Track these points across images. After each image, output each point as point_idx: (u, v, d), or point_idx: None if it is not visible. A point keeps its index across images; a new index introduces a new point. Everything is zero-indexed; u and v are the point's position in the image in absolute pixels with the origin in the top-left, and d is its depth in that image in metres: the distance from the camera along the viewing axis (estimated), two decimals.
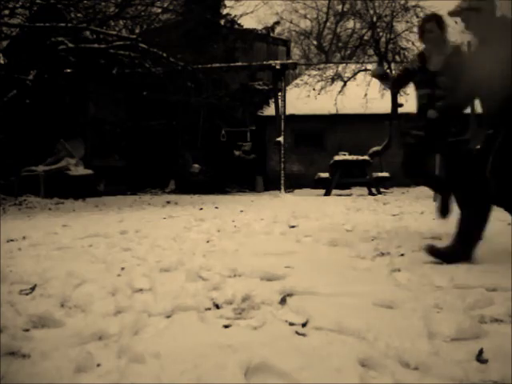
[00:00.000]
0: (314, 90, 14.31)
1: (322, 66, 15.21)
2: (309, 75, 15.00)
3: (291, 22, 16.60)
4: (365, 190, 11.50)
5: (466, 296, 1.85)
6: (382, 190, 11.58)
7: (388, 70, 13.23)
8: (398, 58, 13.42)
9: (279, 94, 12.51)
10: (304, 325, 1.65)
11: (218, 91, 13.08)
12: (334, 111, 14.13)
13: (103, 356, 1.39)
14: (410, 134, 3.63)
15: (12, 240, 3.81)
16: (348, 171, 11.34)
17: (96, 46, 10.60)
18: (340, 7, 14.59)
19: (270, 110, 14.89)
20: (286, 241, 3.45)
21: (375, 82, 12.28)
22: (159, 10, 10.71)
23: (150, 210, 7.14)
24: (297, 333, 1.58)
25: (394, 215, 5.36)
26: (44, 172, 9.81)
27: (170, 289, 2.09)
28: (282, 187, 11.78)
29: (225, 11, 14.92)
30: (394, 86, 3.94)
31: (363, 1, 13.60)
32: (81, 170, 10.29)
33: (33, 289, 2.16)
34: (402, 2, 13.05)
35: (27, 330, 1.62)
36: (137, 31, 11.72)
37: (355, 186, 12.34)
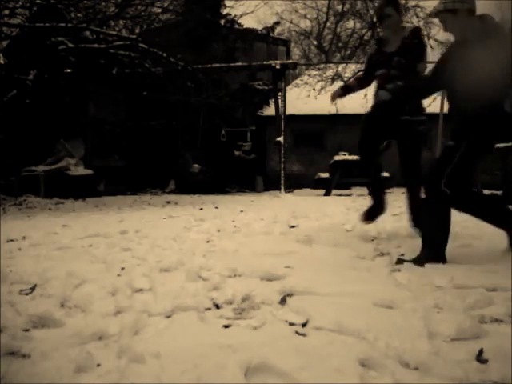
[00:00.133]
0: (314, 90, 14.32)
1: (321, 65, 15.22)
2: (309, 75, 15.00)
3: (291, 22, 16.63)
4: (365, 190, 11.49)
5: (466, 296, 1.85)
6: None
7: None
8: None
9: (279, 93, 12.51)
10: (304, 325, 1.65)
11: (218, 91, 13.09)
12: (334, 111, 14.11)
13: (103, 356, 1.39)
14: (368, 114, 3.69)
15: (12, 240, 3.81)
16: (348, 171, 11.33)
17: (96, 46, 10.59)
18: (340, 7, 14.61)
19: (270, 110, 14.88)
20: (286, 241, 3.44)
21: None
22: (159, 10, 10.71)
23: (150, 210, 7.14)
24: (297, 333, 1.58)
25: (394, 215, 5.35)
26: (44, 172, 9.80)
27: (170, 289, 2.09)
28: (282, 187, 11.78)
29: (225, 11, 14.93)
30: (361, 84, 3.79)
31: (363, 1, 13.62)
32: (81, 170, 10.29)
33: (33, 289, 2.16)
34: (402, 2, 13.06)
35: (27, 330, 1.62)
36: (137, 31, 11.72)
37: (355, 186, 12.34)
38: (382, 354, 1.38)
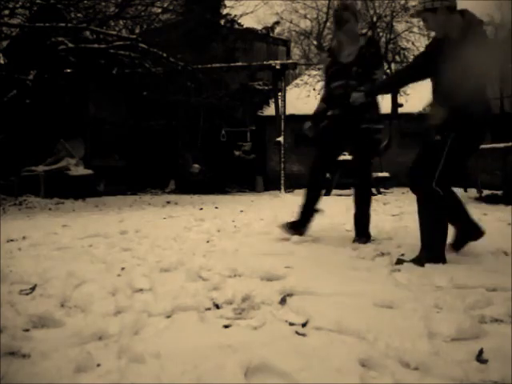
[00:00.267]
0: (314, 90, 14.31)
1: (321, 65, 15.21)
2: (309, 75, 15.00)
3: (291, 22, 16.63)
4: None
5: (466, 296, 1.85)
6: (381, 190, 11.58)
7: (388, 71, 13.25)
8: (397, 58, 13.43)
9: (279, 93, 12.51)
10: (304, 325, 1.65)
11: (218, 91, 13.08)
12: None
13: (103, 356, 1.39)
14: (323, 127, 3.61)
15: (12, 240, 3.81)
16: (348, 171, 11.31)
17: (96, 46, 10.59)
18: None
19: (270, 110, 14.88)
20: (286, 241, 3.44)
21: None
22: (159, 10, 10.70)
23: (150, 210, 7.14)
24: (297, 333, 1.58)
25: (393, 215, 5.36)
26: (44, 172, 9.80)
27: (170, 289, 2.09)
28: (282, 187, 11.78)
29: (225, 11, 14.93)
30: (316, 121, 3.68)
31: (363, 1, 13.61)
32: (81, 170, 10.28)
33: (33, 289, 2.16)
34: (402, 2, 13.08)
35: (27, 330, 1.62)
36: (137, 31, 11.73)
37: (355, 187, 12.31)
38: (382, 354, 1.38)
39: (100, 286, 2.17)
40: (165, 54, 10.43)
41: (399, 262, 2.60)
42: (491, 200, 7.87)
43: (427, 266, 2.47)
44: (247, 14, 20.26)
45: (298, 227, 3.53)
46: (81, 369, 1.30)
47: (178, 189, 13.38)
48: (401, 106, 12.60)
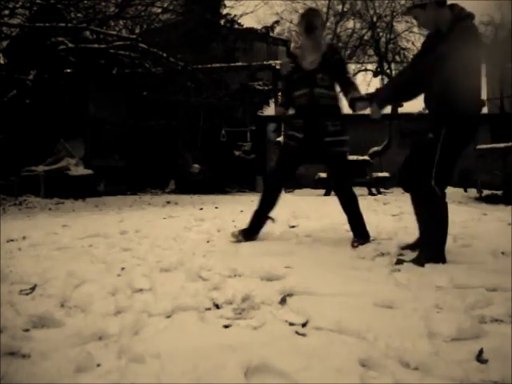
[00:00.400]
0: None
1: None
2: None
3: (291, 22, 16.60)
4: (365, 190, 11.49)
5: (466, 296, 1.85)
6: (381, 190, 11.58)
7: (388, 71, 13.25)
8: (398, 58, 13.44)
9: (279, 94, 12.50)
10: (304, 325, 1.65)
11: (218, 91, 13.07)
12: None
13: (103, 356, 1.39)
14: (287, 136, 3.54)
15: (12, 240, 3.81)
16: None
17: (96, 46, 10.59)
18: (340, 7, 14.61)
19: (269, 110, 14.87)
20: (286, 241, 3.44)
21: (375, 82, 12.28)
22: (159, 10, 10.70)
23: (149, 210, 7.14)
24: (297, 333, 1.58)
25: (393, 215, 5.35)
26: (44, 172, 9.80)
27: (170, 289, 2.09)
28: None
29: (225, 11, 14.92)
30: (287, 109, 3.57)
31: (363, 1, 13.63)
32: (81, 170, 10.28)
33: (33, 289, 2.16)
34: (402, 2, 13.06)
35: (27, 330, 1.62)
36: (137, 31, 11.72)
37: (355, 186, 12.32)
38: (382, 354, 1.38)
39: (100, 285, 2.17)
40: (165, 54, 10.43)
41: (399, 262, 2.60)
42: (491, 200, 7.87)
43: (427, 265, 2.46)
44: (247, 13, 20.27)
45: (250, 234, 3.51)
46: (81, 369, 1.30)
47: (178, 189, 13.38)
48: (401, 106, 12.57)
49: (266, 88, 15.11)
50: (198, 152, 14.20)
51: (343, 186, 3.53)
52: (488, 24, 18.20)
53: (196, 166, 13.56)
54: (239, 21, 14.90)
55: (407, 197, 2.87)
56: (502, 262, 2.56)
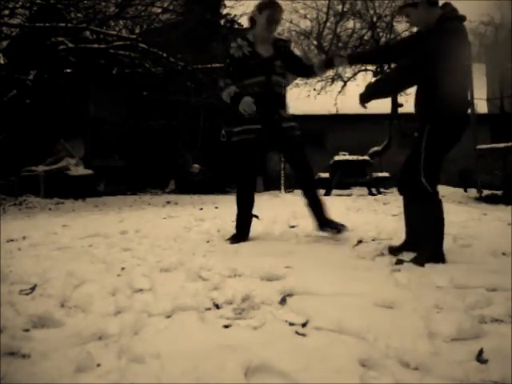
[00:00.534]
0: (314, 89, 14.32)
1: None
2: None
3: (291, 22, 16.57)
4: (365, 190, 11.49)
5: (466, 296, 1.85)
6: (381, 190, 11.58)
7: (388, 70, 13.25)
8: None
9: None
10: (304, 325, 1.65)
11: (218, 91, 13.07)
12: (334, 111, 14.13)
13: (103, 356, 1.39)
14: (243, 132, 3.46)
15: (12, 240, 3.81)
16: (348, 171, 11.32)
17: (96, 46, 10.60)
18: (340, 7, 14.56)
19: None
20: (286, 241, 3.44)
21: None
22: (159, 10, 10.71)
23: (149, 210, 7.14)
24: (297, 333, 1.58)
25: (394, 215, 5.35)
26: (44, 172, 9.80)
27: (170, 289, 2.09)
28: (282, 187, 11.77)
29: (225, 11, 14.92)
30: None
31: (363, 1, 13.61)
32: (81, 170, 10.29)
33: (33, 289, 2.16)
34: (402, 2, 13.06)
35: (27, 330, 1.62)
36: (137, 31, 11.72)
37: (355, 186, 12.33)
38: (382, 354, 1.38)
39: (100, 286, 2.17)
40: (165, 54, 10.43)
41: (399, 262, 2.60)
42: (491, 200, 7.86)
43: (427, 265, 2.46)
44: (247, 13, 20.25)
45: (241, 237, 3.51)
46: (81, 369, 1.30)
47: (178, 189, 13.38)
48: (401, 106, 12.59)
49: None
50: (197, 152, 14.20)
51: (309, 170, 3.51)
52: (488, 24, 18.21)
53: (196, 165, 13.56)
54: (239, 21, 14.91)
55: None
56: (502, 262, 2.56)
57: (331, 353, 1.38)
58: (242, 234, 3.55)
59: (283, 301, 1.93)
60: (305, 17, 15.62)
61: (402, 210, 2.97)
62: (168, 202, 8.98)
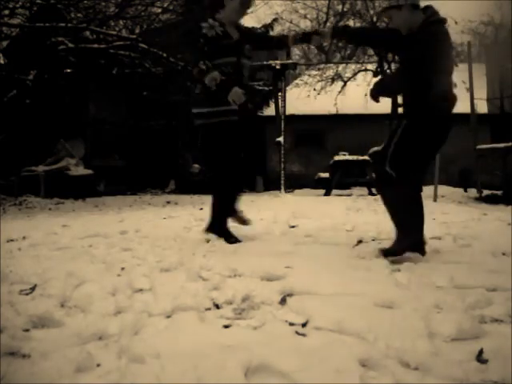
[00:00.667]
0: (314, 90, 14.32)
1: (321, 65, 15.21)
2: (309, 75, 15.00)
3: (291, 22, 16.56)
4: (365, 190, 11.49)
5: (466, 296, 1.84)
6: None
7: (388, 71, 13.25)
8: (397, 57, 13.42)
9: (279, 93, 12.50)
10: (304, 325, 1.65)
11: None
12: (334, 111, 14.12)
13: (103, 356, 1.39)
14: (221, 113, 3.33)
15: (12, 240, 3.81)
16: (348, 171, 11.32)
17: (96, 46, 10.60)
18: (340, 7, 14.57)
19: (270, 110, 14.88)
20: (286, 241, 3.44)
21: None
22: (159, 10, 10.71)
23: (150, 210, 7.14)
24: (297, 333, 1.58)
25: None
26: (44, 172, 9.81)
27: (170, 289, 2.09)
28: (282, 187, 11.77)
29: None
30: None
31: (363, 1, 13.61)
32: (81, 170, 10.29)
33: (33, 289, 2.16)
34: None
35: (27, 330, 1.62)
36: (137, 31, 11.72)
37: (355, 186, 12.33)
38: (382, 354, 1.38)
39: (100, 286, 2.17)
40: (165, 54, 10.44)
41: (384, 253, 2.63)
42: (491, 200, 7.87)
43: (427, 265, 2.47)
44: (247, 13, 20.25)
45: (232, 237, 3.43)
46: (81, 369, 1.30)
47: (178, 189, 13.38)
48: (401, 106, 12.59)
49: (266, 88, 15.11)
50: (197, 152, 14.18)
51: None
52: (488, 24, 18.21)
53: (196, 165, 13.55)
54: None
55: None
56: (502, 262, 2.56)
57: (331, 353, 1.38)
58: (230, 233, 3.47)
59: (283, 301, 1.93)
60: (305, 17, 15.61)
61: None
62: (168, 202, 8.98)
